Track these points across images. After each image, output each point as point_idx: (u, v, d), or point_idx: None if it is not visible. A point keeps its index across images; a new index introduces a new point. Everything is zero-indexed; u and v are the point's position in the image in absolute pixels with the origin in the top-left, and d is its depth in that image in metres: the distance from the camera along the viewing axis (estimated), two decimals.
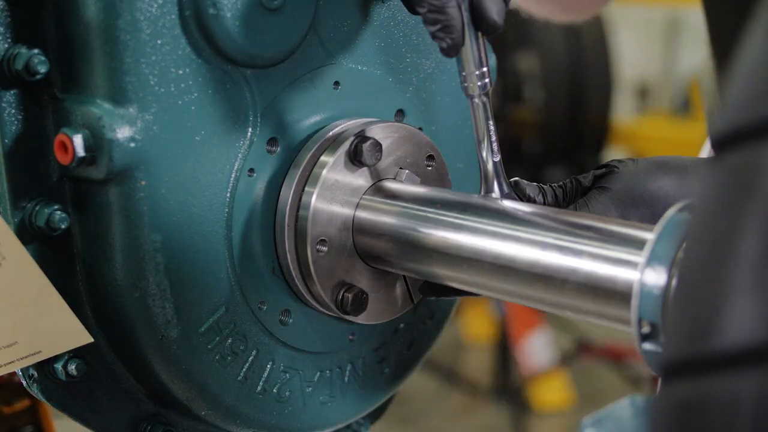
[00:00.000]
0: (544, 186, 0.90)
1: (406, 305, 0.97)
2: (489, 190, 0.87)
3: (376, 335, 1.02)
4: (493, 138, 0.87)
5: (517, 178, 0.91)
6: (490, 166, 0.87)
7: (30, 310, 0.82)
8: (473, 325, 4.76)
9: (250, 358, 0.91)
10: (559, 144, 4.33)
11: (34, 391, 0.88)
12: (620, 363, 4.07)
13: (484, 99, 0.86)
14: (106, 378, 0.90)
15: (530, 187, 0.89)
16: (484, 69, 0.85)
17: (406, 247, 0.88)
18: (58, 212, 0.84)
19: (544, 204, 0.88)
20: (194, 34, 0.81)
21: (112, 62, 0.79)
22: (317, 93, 0.91)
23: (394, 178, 0.93)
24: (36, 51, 0.81)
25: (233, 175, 0.86)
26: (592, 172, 0.89)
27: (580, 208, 0.86)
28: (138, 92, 0.79)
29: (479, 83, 0.85)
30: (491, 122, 0.87)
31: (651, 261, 0.70)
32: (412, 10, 0.85)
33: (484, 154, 0.87)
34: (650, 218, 0.83)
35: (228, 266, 0.87)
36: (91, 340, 0.85)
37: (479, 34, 0.85)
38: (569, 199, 0.89)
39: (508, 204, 0.85)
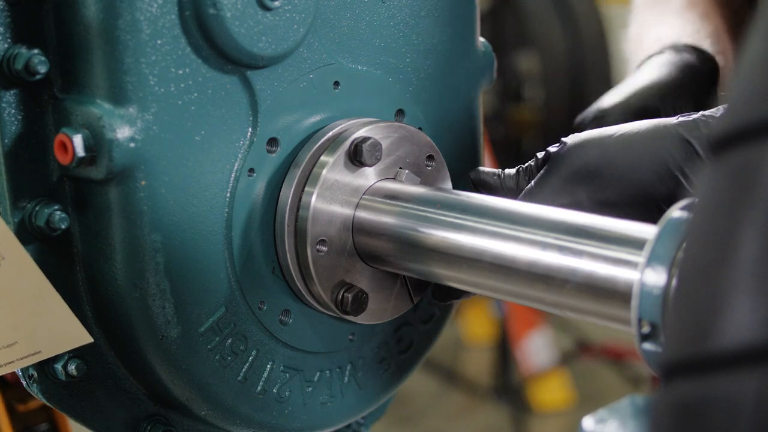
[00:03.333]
0: (504, 171, 0.93)
1: (406, 305, 0.97)
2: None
3: (376, 335, 1.02)
4: None
5: (479, 168, 0.93)
6: None
7: (30, 310, 0.82)
8: (473, 325, 4.76)
9: (250, 358, 0.91)
10: None
11: (34, 391, 0.88)
12: (620, 363, 4.07)
13: None
14: (106, 378, 0.90)
15: (487, 174, 0.92)
16: None
17: (406, 247, 0.88)
18: (58, 212, 0.84)
19: (502, 188, 0.91)
20: (194, 34, 0.81)
21: (112, 62, 0.79)
22: (317, 93, 0.91)
23: (394, 178, 0.93)
24: (36, 51, 0.81)
25: (233, 175, 0.86)
26: (547, 150, 0.91)
27: (530, 193, 0.88)
28: (138, 92, 0.79)
29: None
30: None
31: (651, 261, 0.70)
32: None
33: None
34: (600, 192, 0.85)
35: (228, 266, 0.87)
36: (91, 340, 0.85)
37: None
38: (528, 180, 0.91)
39: (509, 204, 0.85)
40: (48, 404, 0.89)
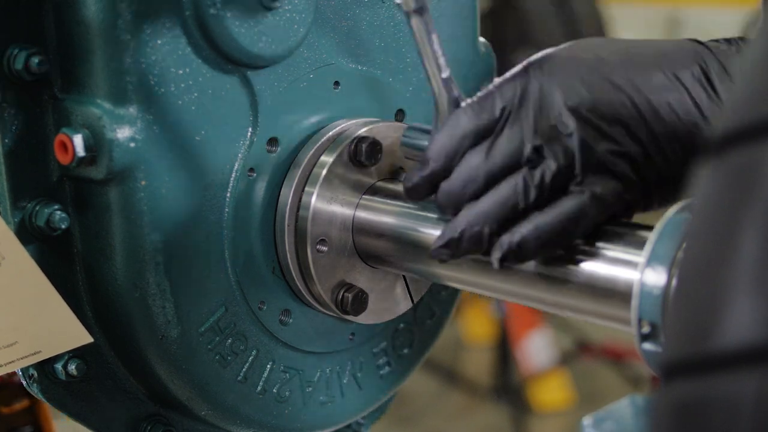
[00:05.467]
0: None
1: (406, 305, 0.97)
2: (441, 111, 0.82)
3: (376, 335, 1.02)
4: (439, 54, 0.81)
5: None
6: (438, 84, 0.82)
7: (30, 310, 0.82)
8: (473, 325, 4.75)
9: (250, 358, 0.91)
10: None
11: (34, 390, 0.88)
12: (620, 363, 4.07)
13: (421, 18, 0.80)
14: (106, 378, 0.90)
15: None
16: None
17: (406, 247, 0.88)
18: (58, 212, 0.84)
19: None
20: (194, 34, 0.81)
21: (112, 62, 0.79)
22: (317, 93, 0.91)
23: (394, 178, 0.93)
24: (35, 51, 0.81)
25: (233, 175, 0.86)
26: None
27: None
28: (138, 92, 0.79)
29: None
30: (435, 39, 0.81)
31: (651, 261, 0.70)
32: None
33: (430, 73, 0.82)
34: None
35: (228, 266, 0.87)
36: (91, 340, 0.85)
37: None
38: None
39: None
40: (48, 404, 0.89)
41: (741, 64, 0.46)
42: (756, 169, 0.42)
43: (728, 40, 0.83)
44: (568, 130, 0.76)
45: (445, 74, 0.81)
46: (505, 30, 4.36)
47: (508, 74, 0.81)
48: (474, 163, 0.78)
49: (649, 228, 0.73)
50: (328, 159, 0.89)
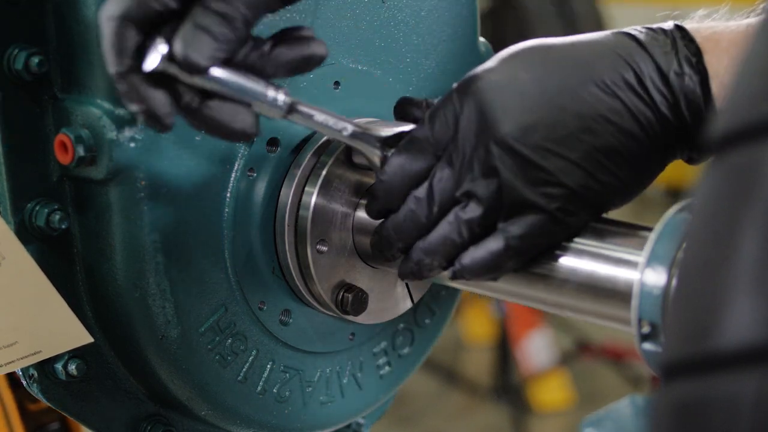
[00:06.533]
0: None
1: (406, 305, 0.97)
2: (371, 158, 0.84)
3: (376, 335, 1.02)
4: (331, 123, 0.80)
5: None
6: (351, 141, 0.82)
7: (30, 310, 0.82)
8: (473, 325, 4.75)
9: (250, 358, 0.91)
10: None
11: (34, 391, 0.88)
12: (620, 363, 4.07)
13: (296, 113, 0.77)
14: (106, 378, 0.90)
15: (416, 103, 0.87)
16: (270, 93, 0.74)
17: None
18: (58, 212, 0.84)
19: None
20: None
21: None
22: (317, 93, 0.91)
23: None
24: (35, 50, 0.81)
25: (233, 175, 0.86)
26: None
27: None
28: None
29: (279, 105, 0.75)
30: (320, 116, 0.79)
31: (651, 261, 0.70)
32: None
33: (337, 138, 0.82)
34: None
35: (228, 266, 0.87)
36: (91, 340, 0.85)
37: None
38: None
39: None
40: (48, 404, 0.89)
41: (741, 64, 0.46)
42: (756, 169, 0.42)
43: (665, 31, 0.81)
44: (491, 167, 0.77)
45: (348, 132, 0.82)
46: (505, 30, 4.36)
47: (438, 106, 0.82)
48: (418, 211, 0.82)
49: (649, 228, 0.73)
50: (328, 159, 0.89)
